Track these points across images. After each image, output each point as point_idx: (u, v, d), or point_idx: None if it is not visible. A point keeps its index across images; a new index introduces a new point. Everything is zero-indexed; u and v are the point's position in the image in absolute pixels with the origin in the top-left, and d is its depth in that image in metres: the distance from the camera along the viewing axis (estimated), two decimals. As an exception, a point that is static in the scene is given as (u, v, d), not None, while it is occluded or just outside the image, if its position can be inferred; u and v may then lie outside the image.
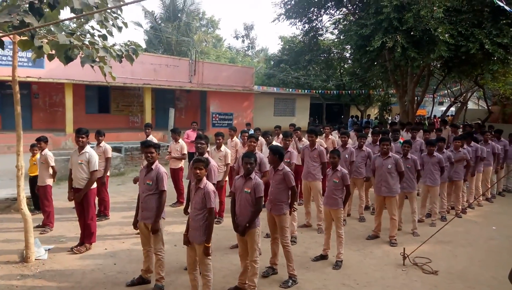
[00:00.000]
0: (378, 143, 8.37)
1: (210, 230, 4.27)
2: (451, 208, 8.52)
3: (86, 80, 16.54)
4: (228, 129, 9.42)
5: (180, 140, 8.75)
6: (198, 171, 4.31)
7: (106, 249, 6.04)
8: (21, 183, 5.44)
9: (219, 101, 21.98)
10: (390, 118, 28.02)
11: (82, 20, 5.30)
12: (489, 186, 9.65)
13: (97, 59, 5.08)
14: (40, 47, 4.66)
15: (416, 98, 17.89)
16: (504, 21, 11.63)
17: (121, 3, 4.69)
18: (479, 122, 17.78)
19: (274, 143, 7.72)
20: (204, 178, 4.41)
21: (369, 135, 9.50)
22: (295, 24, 19.01)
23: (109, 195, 7.75)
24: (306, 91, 25.82)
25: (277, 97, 26.41)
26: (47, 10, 4.51)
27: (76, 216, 6.22)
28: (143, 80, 19.14)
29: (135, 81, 18.75)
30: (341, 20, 18.82)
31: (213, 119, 21.89)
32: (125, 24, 5.35)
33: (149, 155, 4.86)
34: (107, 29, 5.16)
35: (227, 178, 7.65)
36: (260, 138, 8.76)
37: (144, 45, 30.26)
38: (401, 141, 8.92)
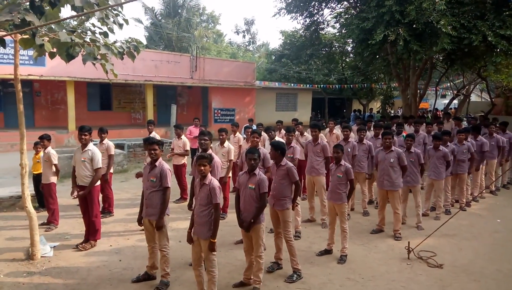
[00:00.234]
0: (380, 136, 8.36)
1: (216, 226, 4.28)
2: (455, 201, 8.50)
3: (88, 77, 16.54)
4: (231, 125, 9.41)
5: (183, 136, 8.75)
6: (202, 168, 4.31)
7: (111, 245, 6.06)
8: (25, 181, 5.45)
9: (221, 97, 21.96)
10: (392, 111, 27.93)
11: (83, 17, 5.28)
12: (494, 179, 9.62)
13: (99, 57, 5.06)
14: (41, 45, 4.64)
15: (418, 91, 17.81)
16: (507, 13, 11.52)
17: (123, 0, 4.66)
18: (483, 114, 17.71)
19: (277, 138, 7.71)
20: (209, 174, 4.42)
21: (371, 129, 9.45)
22: (296, 18, 18.93)
23: (113, 192, 7.76)
24: (308, 85, 25.74)
25: (279, 92, 26.36)
26: (48, 8, 4.49)
27: (81, 213, 6.25)
28: (145, 76, 19.14)
29: (136, 77, 18.76)
30: (343, 14, 18.70)
31: (215, 115, 21.89)
32: (126, 21, 5.32)
33: (152, 152, 4.86)
34: (108, 26, 5.13)
35: (230, 174, 7.65)
36: (263, 133, 8.75)
37: (144, 42, 30.19)
38: (404, 135, 8.89)
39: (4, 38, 4.23)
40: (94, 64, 5.05)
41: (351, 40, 19.16)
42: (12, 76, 5.39)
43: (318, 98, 29.06)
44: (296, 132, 8.54)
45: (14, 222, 7.07)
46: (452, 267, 5.48)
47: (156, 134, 8.19)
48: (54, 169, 7.01)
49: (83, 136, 5.99)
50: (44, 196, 7.15)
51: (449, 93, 30.75)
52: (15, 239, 6.23)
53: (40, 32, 4.95)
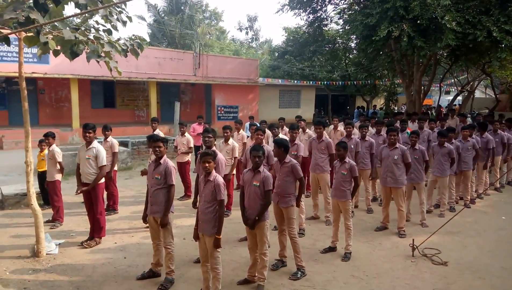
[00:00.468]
0: (381, 133, 8.34)
1: (220, 222, 4.29)
2: (459, 199, 8.47)
3: (91, 75, 16.58)
4: (234, 122, 9.40)
5: (187, 134, 8.76)
6: (207, 165, 4.32)
7: (115, 243, 6.08)
8: (31, 179, 5.47)
9: (224, 94, 21.95)
10: (396, 108, 27.83)
11: (87, 15, 5.28)
12: (498, 176, 9.57)
13: (103, 54, 5.07)
14: (45, 43, 4.65)
15: (422, 87, 17.74)
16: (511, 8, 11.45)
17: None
18: (487, 110, 17.62)
19: (280, 135, 7.70)
20: (213, 170, 4.42)
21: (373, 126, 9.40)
22: (300, 15, 18.92)
23: (118, 190, 7.78)
24: (311, 82, 25.68)
25: (282, 89, 26.31)
26: (52, 5, 4.50)
27: (85, 211, 6.27)
28: (148, 74, 19.15)
29: (140, 75, 18.77)
30: (346, 10, 18.63)
31: (218, 112, 21.89)
32: (130, 18, 5.33)
33: (157, 149, 4.86)
34: (112, 24, 5.14)
35: (234, 171, 7.65)
36: (267, 130, 8.74)
37: (148, 39, 30.22)
38: (408, 131, 8.85)
39: (8, 36, 4.25)
40: (98, 62, 5.06)
41: (354, 37, 19.11)
42: (17, 74, 5.39)
43: (321, 95, 28.99)
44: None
45: (19, 220, 7.11)
46: (457, 264, 5.46)
47: (160, 132, 8.20)
48: (58, 166, 7.03)
49: (87, 134, 6.01)
50: (49, 194, 7.18)
51: (453, 89, 30.60)
52: (21, 237, 6.27)
53: (44, 30, 4.96)
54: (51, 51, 4.84)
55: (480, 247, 6.10)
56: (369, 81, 25.75)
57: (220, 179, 4.37)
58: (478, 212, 7.95)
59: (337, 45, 26.16)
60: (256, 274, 4.73)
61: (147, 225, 5.10)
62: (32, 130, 5.64)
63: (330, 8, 19.10)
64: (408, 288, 4.80)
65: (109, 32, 5.26)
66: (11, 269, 5.13)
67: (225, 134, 7.57)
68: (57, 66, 16.03)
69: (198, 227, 4.46)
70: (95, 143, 6.09)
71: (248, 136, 9.14)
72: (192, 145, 8.70)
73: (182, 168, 8.61)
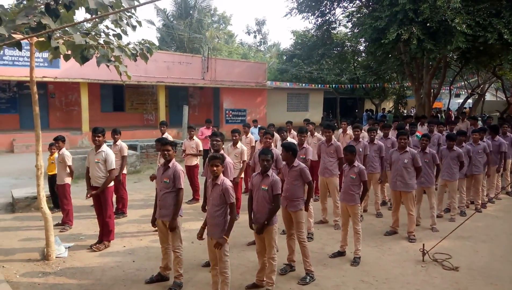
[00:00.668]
0: (389, 137, 8.27)
1: (231, 225, 4.32)
2: (470, 203, 8.36)
3: (101, 79, 16.74)
4: (243, 126, 9.41)
5: (195, 137, 8.79)
6: (215, 168, 4.32)
7: (124, 246, 6.10)
8: (41, 183, 5.53)
9: (232, 98, 22.00)
10: (405, 111, 27.63)
11: (97, 19, 5.33)
12: (509, 180, 9.43)
13: (113, 59, 5.11)
14: (56, 48, 4.71)
15: (432, 90, 17.59)
16: (523, 10, 11.33)
17: (136, 3, 4.69)
18: (498, 113, 17.42)
19: (288, 139, 7.67)
20: (221, 174, 4.43)
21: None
22: (308, 18, 18.89)
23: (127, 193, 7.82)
24: (319, 85, 25.63)
25: (290, 92, 26.29)
26: (63, 10, 4.55)
27: (94, 214, 6.31)
28: (157, 78, 19.27)
29: (149, 79, 18.91)
30: (355, 13, 18.58)
31: (227, 115, 21.93)
32: (139, 23, 5.36)
33: (166, 153, 4.87)
34: (122, 28, 5.18)
35: (242, 175, 7.64)
36: (275, 134, 8.72)
37: (157, 43, 30.39)
38: (418, 134, 8.77)
39: (20, 41, 4.30)
40: (108, 66, 5.10)
41: (363, 40, 19.04)
42: (28, 78, 5.47)
43: (329, 98, 28.91)
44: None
45: (29, 223, 7.17)
46: (468, 269, 5.38)
47: (168, 135, 8.24)
48: (68, 170, 7.09)
49: (96, 138, 6.05)
50: (58, 197, 7.24)
51: (463, 92, 30.32)
52: (31, 240, 6.32)
53: (55, 34, 5.02)
54: (61, 56, 4.89)
55: (492, 252, 6.00)
56: (378, 84, 25.61)
57: (227, 183, 4.37)
58: (489, 216, 7.84)
59: (345, 48, 26.07)
60: (265, 279, 4.71)
61: (156, 228, 5.11)
62: (43, 134, 5.70)
63: (338, 11, 19.13)
64: (419, 294, 4.74)
65: (119, 36, 5.30)
66: (21, 272, 5.17)
67: (234, 138, 7.57)
68: (68, 70, 16.21)
69: (206, 229, 4.46)
70: (104, 147, 6.12)
71: (256, 140, 9.13)
72: (201, 149, 8.72)
73: (191, 171, 8.62)
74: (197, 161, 8.77)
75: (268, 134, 6.65)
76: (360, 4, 17.73)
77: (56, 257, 5.57)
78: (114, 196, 6.81)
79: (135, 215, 7.73)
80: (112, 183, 6.21)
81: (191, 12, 29.47)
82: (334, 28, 20.81)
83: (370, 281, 5.03)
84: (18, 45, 4.31)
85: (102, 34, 5.39)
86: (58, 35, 5.05)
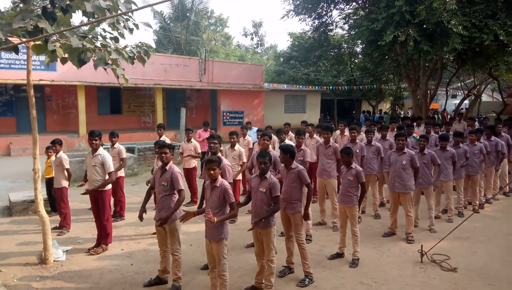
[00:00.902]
0: (387, 138, 8.29)
1: (227, 216, 4.34)
2: (468, 203, 8.38)
3: (98, 81, 16.70)
4: (240, 128, 9.41)
5: (193, 140, 8.78)
6: (212, 172, 4.33)
7: (122, 249, 6.08)
8: (38, 186, 5.50)
9: (230, 100, 21.99)
10: (402, 112, 27.70)
11: (94, 23, 5.32)
12: (506, 180, 9.47)
13: (110, 62, 5.11)
14: (53, 51, 4.70)
15: (429, 91, 17.64)
16: (519, 11, 11.39)
17: (133, 6, 4.69)
18: (494, 114, 17.49)
19: (286, 141, 7.67)
20: (220, 177, 4.43)
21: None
22: (305, 20, 18.89)
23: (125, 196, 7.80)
24: (316, 87, 25.63)
25: (288, 94, 26.29)
26: (60, 14, 4.54)
27: (92, 217, 6.29)
28: (154, 80, 19.25)
29: (146, 81, 18.87)
30: (351, 15, 18.62)
31: (224, 117, 21.92)
32: (136, 26, 5.36)
33: (163, 155, 4.87)
34: (119, 31, 5.17)
35: (241, 177, 7.63)
36: (273, 136, 8.72)
37: (153, 45, 30.42)
38: (416, 136, 8.80)
39: (18, 45, 4.29)
40: (105, 69, 5.09)
41: (360, 42, 19.08)
42: (24, 82, 5.46)
43: (327, 100, 28.92)
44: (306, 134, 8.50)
45: (27, 227, 7.14)
46: (467, 270, 5.39)
47: (166, 138, 8.22)
48: (66, 173, 7.06)
49: (93, 141, 6.03)
50: (56, 200, 7.21)
51: (459, 93, 30.41)
52: (28, 244, 6.29)
53: (52, 38, 5.00)
54: (58, 59, 4.88)
55: (490, 253, 6.02)
56: (375, 86, 25.66)
57: (226, 183, 4.40)
58: (487, 217, 7.86)
59: (342, 50, 26.12)
60: (264, 281, 4.70)
61: (154, 232, 5.10)
62: (40, 137, 5.68)
63: (335, 13, 19.09)
64: (418, 295, 4.75)
65: (116, 39, 5.30)
66: (18, 276, 5.14)
67: (232, 140, 7.57)
68: (64, 73, 16.17)
69: (205, 232, 4.45)
70: (101, 150, 6.11)
71: (254, 142, 9.13)
72: (199, 150, 8.72)
73: (189, 174, 8.61)
74: (195, 163, 8.76)
75: (265, 136, 6.65)
76: (357, 6, 17.77)
77: (53, 260, 5.55)
78: (112, 199, 6.79)
79: (133, 218, 7.68)
80: (110, 186, 6.20)
81: (188, 14, 29.48)
82: (331, 30, 20.84)
83: (369, 282, 5.04)
84: (15, 49, 4.29)
85: (99, 37, 5.39)
86: (55, 38, 5.04)
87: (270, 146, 6.82)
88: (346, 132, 9.22)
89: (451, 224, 7.13)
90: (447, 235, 5.86)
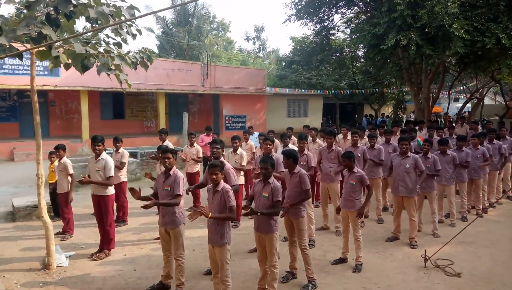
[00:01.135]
0: (391, 142, 8.28)
1: (225, 217, 4.34)
2: (471, 208, 8.35)
3: (101, 86, 16.76)
4: (243, 132, 9.42)
5: (196, 144, 8.79)
6: (214, 176, 4.34)
7: (125, 255, 6.08)
8: (42, 192, 5.51)
9: (232, 104, 22.03)
10: (404, 116, 27.66)
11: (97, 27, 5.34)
12: (509, 184, 9.43)
13: (113, 67, 5.13)
14: (57, 57, 4.73)
15: (431, 95, 17.62)
16: (521, 15, 11.40)
17: (136, 12, 4.72)
18: (497, 117, 17.44)
19: (290, 145, 7.67)
20: (222, 181, 4.44)
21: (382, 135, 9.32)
22: (307, 25, 18.94)
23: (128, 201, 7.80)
24: (318, 91, 25.66)
25: (290, 98, 26.33)
26: (63, 20, 4.57)
27: (95, 222, 6.29)
28: (157, 85, 19.31)
29: (148, 86, 18.94)
30: (353, 19, 18.66)
31: (226, 122, 21.95)
32: (139, 31, 5.38)
33: (166, 160, 4.87)
34: (122, 37, 5.20)
35: (243, 181, 7.63)
36: (276, 140, 8.72)
37: (156, 50, 30.54)
38: (419, 140, 8.78)
39: (20, 49, 4.32)
40: (108, 75, 5.12)
41: (362, 46, 19.11)
42: (28, 87, 5.48)
43: (329, 104, 28.95)
44: (309, 138, 8.49)
45: (30, 232, 7.15)
46: (471, 275, 5.36)
47: (169, 143, 8.23)
48: (70, 178, 7.07)
49: (97, 147, 6.06)
50: (59, 205, 7.23)
51: (462, 96, 30.36)
52: (31, 249, 6.30)
53: (56, 44, 5.03)
54: (62, 64, 4.91)
55: (494, 258, 5.98)
56: (377, 89, 25.66)
57: (227, 187, 4.42)
58: (491, 221, 7.82)
59: (344, 54, 26.16)
60: (266, 287, 4.68)
61: (157, 237, 5.10)
62: (43, 142, 5.69)
63: (337, 17, 19.27)
64: (422, 300, 4.72)
65: (119, 45, 5.32)
66: (21, 282, 5.15)
67: (234, 144, 7.58)
68: (68, 78, 16.24)
69: (207, 237, 4.45)
70: (104, 155, 6.14)
71: (256, 147, 9.13)
72: (201, 155, 8.72)
73: (192, 178, 8.61)
74: (198, 168, 8.76)
75: (268, 140, 6.65)
76: (358, 10, 17.81)
77: (57, 266, 5.55)
78: (115, 204, 6.79)
79: (135, 223, 7.71)
80: (113, 191, 6.21)
81: (190, 19, 29.59)
82: (333, 34, 20.89)
83: (372, 288, 5.01)
84: (19, 55, 4.32)
85: (103, 42, 5.42)
86: (58, 44, 5.07)
87: (272, 150, 6.81)
88: (349, 136, 9.22)
89: (454, 228, 7.10)
90: (450, 240, 5.83)
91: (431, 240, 6.72)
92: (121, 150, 7.60)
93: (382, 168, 7.87)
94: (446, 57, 13.28)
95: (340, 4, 17.63)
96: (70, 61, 4.94)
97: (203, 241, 6.12)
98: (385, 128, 10.17)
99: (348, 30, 20.66)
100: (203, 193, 6.25)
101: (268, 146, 6.57)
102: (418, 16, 11.78)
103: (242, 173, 7.55)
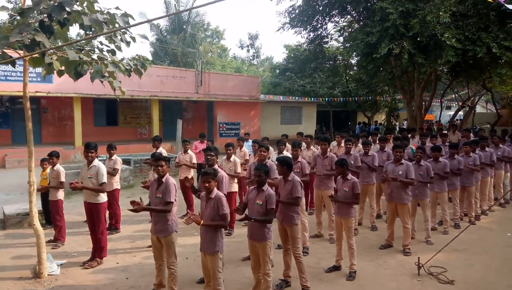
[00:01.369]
0: (385, 150, 8.33)
1: (218, 225, 4.31)
2: (464, 215, 8.39)
3: (94, 93, 16.70)
4: (237, 139, 9.42)
5: (189, 151, 8.78)
6: (207, 184, 4.34)
7: (117, 263, 6.02)
8: (33, 199, 5.46)
9: (226, 111, 22.05)
10: (397, 123, 27.85)
11: (91, 35, 5.34)
12: (502, 191, 9.51)
13: (106, 74, 5.12)
14: (50, 64, 4.71)
15: (423, 103, 17.77)
16: (511, 24, 11.57)
17: (130, 19, 4.72)
18: (489, 125, 17.62)
19: (284, 152, 7.68)
20: (215, 189, 4.43)
21: (376, 142, 9.36)
22: (300, 33, 19.06)
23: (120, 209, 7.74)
24: (312, 98, 25.79)
25: (284, 105, 26.43)
26: (57, 27, 4.56)
27: (87, 230, 6.23)
28: (150, 92, 19.28)
29: (142, 93, 18.89)
30: (346, 28, 18.81)
31: (220, 129, 21.95)
32: (133, 39, 5.38)
33: (159, 168, 4.85)
34: (116, 44, 5.20)
35: (236, 189, 7.62)
36: (270, 147, 8.72)
37: (150, 57, 30.55)
38: (413, 147, 8.84)
39: (12, 55, 4.30)
40: (102, 82, 5.10)
41: (355, 54, 19.26)
42: (20, 93, 5.44)
43: (322, 111, 29.09)
44: (303, 145, 8.51)
45: (21, 240, 7.06)
46: (464, 283, 5.37)
47: (163, 150, 8.21)
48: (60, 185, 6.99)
49: (89, 154, 6.02)
50: (51, 213, 7.15)
51: (454, 104, 30.66)
52: (22, 257, 6.21)
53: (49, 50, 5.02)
54: (55, 71, 4.89)
55: (487, 265, 6.01)
56: (370, 97, 25.82)
57: (221, 194, 4.41)
58: (483, 229, 7.87)
59: (337, 62, 26.35)
60: (260, 295, 4.65)
61: (150, 245, 5.05)
62: (35, 149, 5.65)
63: (330, 26, 19.32)
64: (415, 308, 4.72)
65: (113, 52, 5.32)
66: (12, 291, 5.07)
67: (228, 151, 7.57)
68: (60, 85, 16.15)
69: (200, 245, 4.42)
70: (96, 162, 6.09)
71: (250, 154, 9.13)
72: (195, 161, 8.70)
73: (185, 185, 8.57)
74: (191, 175, 8.73)
75: (262, 147, 6.65)
76: (351, 19, 17.97)
77: (48, 274, 5.47)
78: (107, 212, 6.74)
79: (128, 230, 7.65)
80: (105, 199, 6.16)
81: (184, 26, 29.68)
82: (326, 43, 21.03)
83: (366, 295, 5.00)
84: (12, 62, 4.30)
85: (96, 49, 5.41)
86: (51, 51, 5.06)
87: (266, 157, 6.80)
88: (343, 144, 9.26)
89: (447, 235, 7.13)
90: (444, 247, 5.85)
91: (425, 247, 6.74)
92: (114, 157, 7.57)
93: (376, 175, 7.90)
94: (438, 65, 13.41)
95: (333, 13, 17.78)
96: (63, 68, 4.93)
97: (196, 248, 6.04)
98: (379, 136, 10.23)
99: (341, 39, 20.84)
100: (197, 199, 6.21)
101: (263, 153, 6.57)
102: (410, 25, 11.92)
103: (236, 180, 7.53)
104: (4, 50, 4.13)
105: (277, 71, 30.71)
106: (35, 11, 4.21)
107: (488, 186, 8.98)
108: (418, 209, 7.30)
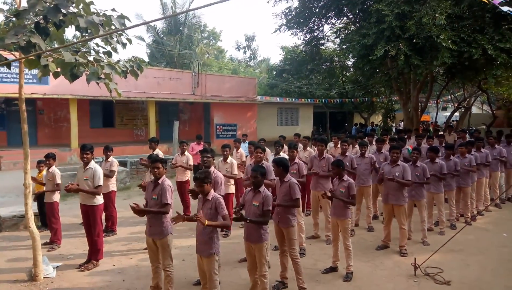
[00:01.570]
0: (382, 151, 8.36)
1: (220, 224, 4.33)
2: (460, 216, 8.43)
3: (90, 95, 16.63)
4: (233, 141, 9.42)
5: (186, 153, 8.77)
6: (201, 189, 4.36)
7: (114, 265, 6.00)
8: (29, 201, 5.43)
9: (223, 113, 22.03)
10: (394, 125, 27.94)
11: (87, 36, 5.34)
12: (497, 191, 9.56)
13: (103, 76, 5.11)
14: (46, 66, 4.70)
15: (420, 104, 17.84)
16: (506, 26, 11.63)
17: (126, 21, 4.72)
18: (485, 126, 17.71)
19: (281, 154, 7.68)
20: (212, 190, 4.43)
21: (374, 143, 9.39)
22: (297, 34, 19.06)
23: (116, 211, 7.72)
24: (309, 100, 25.83)
25: (280, 106, 26.44)
26: (52, 28, 4.55)
27: (83, 232, 6.21)
28: (147, 93, 19.24)
29: (139, 94, 18.85)
30: (342, 29, 18.86)
31: (217, 130, 21.93)
32: (129, 40, 5.38)
33: (156, 170, 4.85)
34: (112, 46, 5.19)
35: (233, 190, 7.61)
36: (266, 148, 8.73)
37: (146, 59, 30.51)
38: (409, 148, 8.86)
39: (8, 57, 4.29)
40: (98, 84, 5.09)
41: (351, 56, 19.31)
42: (16, 95, 5.42)
43: (319, 112, 29.13)
44: (300, 146, 8.52)
45: (16, 242, 7.02)
46: (460, 283, 5.39)
47: (160, 152, 8.19)
48: (56, 187, 6.96)
49: (85, 155, 5.99)
50: (47, 215, 7.12)
51: (450, 105, 30.81)
52: (18, 260, 6.18)
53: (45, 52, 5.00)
54: (51, 73, 4.88)
55: (483, 266, 6.03)
56: (366, 99, 25.90)
57: (218, 196, 4.41)
58: (479, 229, 7.90)
59: (334, 63, 26.40)
60: (257, 297, 4.65)
61: (146, 247, 5.04)
62: (31, 151, 5.63)
63: (326, 27, 19.43)
64: (412, 309, 4.73)
65: (109, 54, 5.32)
66: (7, 294, 5.04)
67: (225, 153, 7.56)
68: (56, 86, 16.10)
69: (196, 247, 4.41)
70: (92, 164, 6.07)
71: (247, 155, 9.13)
72: (191, 163, 8.69)
73: (182, 187, 8.57)
74: (188, 176, 8.73)
75: (259, 148, 6.65)
76: (348, 21, 18.02)
77: (44, 277, 5.45)
78: (103, 214, 6.72)
79: (124, 232, 7.63)
80: (101, 201, 6.14)
81: (181, 28, 29.66)
82: (323, 44, 21.06)
83: (363, 296, 5.01)
84: (8, 66, 4.29)
85: (92, 51, 5.40)
86: (47, 53, 5.05)
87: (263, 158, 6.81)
88: (339, 145, 9.28)
89: (443, 236, 7.15)
90: (440, 248, 5.87)
91: (421, 248, 6.75)
92: (110, 159, 7.56)
93: (372, 176, 7.93)
94: (434, 67, 13.46)
95: (329, 15, 17.82)
96: (59, 69, 4.92)
97: (193, 250, 6.01)
98: (377, 137, 10.27)
99: (337, 40, 20.88)
100: (194, 201, 6.21)
101: (259, 154, 6.56)
102: (406, 27, 11.96)
103: (232, 181, 7.53)
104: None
105: (274, 72, 30.74)
106: (30, 13, 4.21)
107: (483, 187, 9.02)
108: (414, 210, 7.33)
